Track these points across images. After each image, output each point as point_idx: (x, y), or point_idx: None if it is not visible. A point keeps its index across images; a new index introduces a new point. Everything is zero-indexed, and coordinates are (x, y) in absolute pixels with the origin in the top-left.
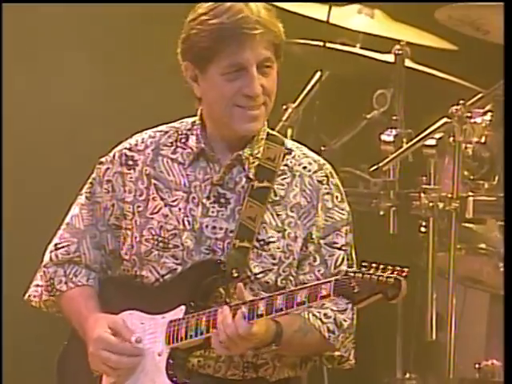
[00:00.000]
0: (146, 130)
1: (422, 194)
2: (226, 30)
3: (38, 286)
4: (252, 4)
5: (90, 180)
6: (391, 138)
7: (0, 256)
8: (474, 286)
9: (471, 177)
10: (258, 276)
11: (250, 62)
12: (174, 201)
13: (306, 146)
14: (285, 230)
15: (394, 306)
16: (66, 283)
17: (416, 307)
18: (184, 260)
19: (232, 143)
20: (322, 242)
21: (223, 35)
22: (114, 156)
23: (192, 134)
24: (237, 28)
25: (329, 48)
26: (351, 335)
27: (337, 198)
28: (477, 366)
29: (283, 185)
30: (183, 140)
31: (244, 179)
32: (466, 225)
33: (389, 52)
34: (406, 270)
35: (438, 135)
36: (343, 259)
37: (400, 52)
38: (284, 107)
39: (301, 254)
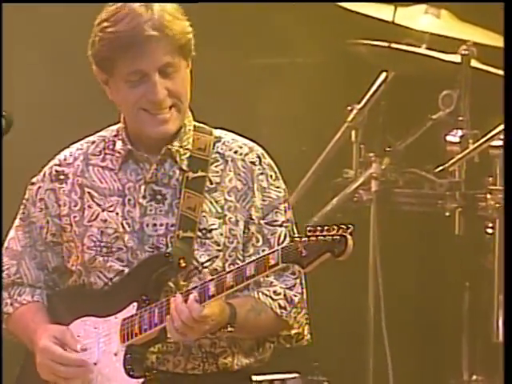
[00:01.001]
0: (73, 143)
1: (489, 195)
2: (123, 38)
3: None
4: (155, 7)
5: (23, 201)
6: (457, 139)
7: None
8: None
9: None
10: (205, 264)
11: (150, 68)
12: (110, 206)
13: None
14: (225, 215)
15: (460, 307)
16: (11, 304)
17: (482, 309)
18: (129, 261)
19: (158, 140)
20: (262, 222)
21: (120, 44)
22: (44, 174)
23: (118, 139)
24: (132, 36)
25: (394, 48)
26: (303, 310)
27: (271, 176)
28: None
29: (217, 172)
30: (111, 147)
31: (178, 172)
32: None
33: (455, 52)
34: (350, 226)
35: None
36: (285, 236)
37: (466, 52)
38: (349, 108)
39: (244, 236)
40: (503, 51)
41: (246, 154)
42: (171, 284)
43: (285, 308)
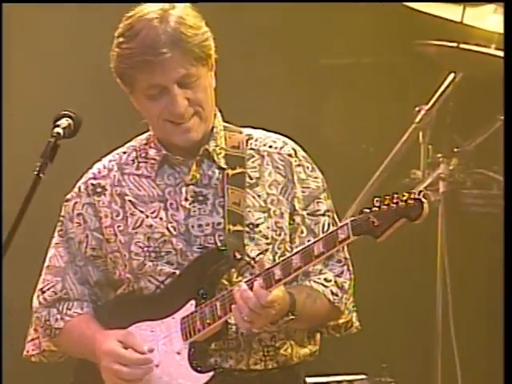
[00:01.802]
0: (104, 157)
1: None
2: (138, 55)
3: (33, 339)
4: (171, 18)
5: (60, 218)
6: None
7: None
8: None
9: None
10: (257, 259)
11: (168, 82)
12: (152, 212)
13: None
14: (269, 208)
15: None
16: (62, 319)
17: None
18: (179, 263)
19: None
20: (304, 212)
21: (136, 60)
22: (79, 189)
23: (150, 147)
24: (147, 53)
25: (463, 49)
26: (351, 297)
27: (308, 168)
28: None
29: (255, 167)
30: (143, 155)
31: (217, 171)
32: None
33: None
34: (422, 190)
35: None
36: (328, 224)
37: None
38: (417, 109)
39: (290, 228)
40: (503, 51)
41: (282, 147)
42: (225, 281)
43: (336, 294)
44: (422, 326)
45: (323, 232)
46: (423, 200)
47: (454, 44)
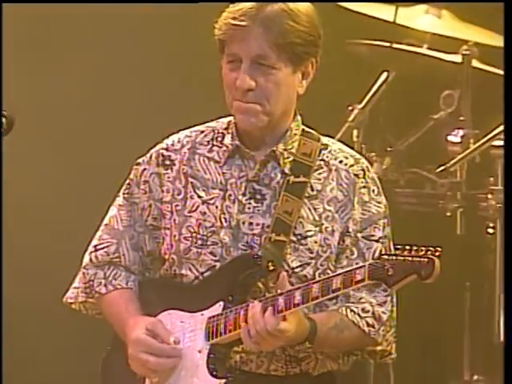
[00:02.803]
0: (182, 130)
1: (490, 195)
2: (229, 18)
3: (75, 288)
4: (278, 5)
5: (127, 181)
6: (458, 139)
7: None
8: None
9: None
10: (296, 270)
11: (243, 54)
12: (210, 199)
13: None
14: (322, 224)
15: (461, 307)
16: (105, 285)
17: (483, 309)
18: (222, 256)
19: (265, 140)
20: (359, 235)
21: (225, 23)
22: (150, 157)
23: (228, 133)
24: (232, 18)
25: (395, 48)
26: (392, 328)
27: (373, 191)
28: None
29: (320, 179)
30: (219, 139)
31: (279, 175)
32: None
33: (456, 52)
34: (439, 249)
35: None
36: (381, 252)
37: (467, 52)
38: (350, 108)
39: (338, 247)
40: (503, 51)
41: (351, 166)
42: (260, 284)
43: (373, 326)
44: None
45: (373, 258)
46: (435, 260)
47: (387, 43)
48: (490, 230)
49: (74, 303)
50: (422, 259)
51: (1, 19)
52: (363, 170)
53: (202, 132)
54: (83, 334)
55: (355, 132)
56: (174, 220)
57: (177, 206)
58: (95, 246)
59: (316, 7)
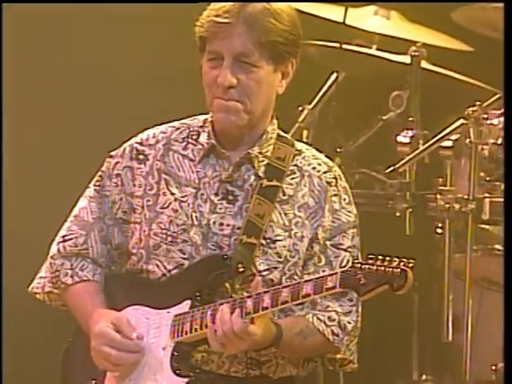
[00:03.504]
0: (157, 125)
1: (439, 196)
2: (211, 16)
3: (41, 277)
4: (260, 4)
5: (99, 173)
6: (407, 140)
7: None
8: (491, 287)
9: (487, 178)
10: (263, 273)
11: (225, 51)
12: (183, 196)
13: (317, 148)
14: (292, 229)
15: (410, 307)
16: (71, 276)
17: (432, 308)
18: (191, 255)
19: (242, 140)
20: (328, 243)
21: (208, 20)
22: (124, 150)
23: (203, 131)
24: (215, 17)
25: (345, 49)
26: (356, 338)
27: (344, 200)
28: (493, 367)
29: (292, 184)
30: (194, 136)
31: (253, 177)
32: (483, 226)
33: (405, 53)
34: (412, 261)
35: (454, 137)
36: (348, 261)
37: (416, 53)
38: (300, 109)
39: (306, 253)
40: (503, 51)
41: (324, 173)
42: (227, 286)
43: (337, 335)
44: None
45: (341, 267)
46: (408, 272)
47: (336, 44)
48: (439, 230)
49: (40, 293)
50: (395, 270)
51: (1, 19)
52: (335, 178)
53: (178, 129)
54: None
55: (305, 132)
56: (145, 215)
57: (148, 201)
58: (63, 237)
59: None
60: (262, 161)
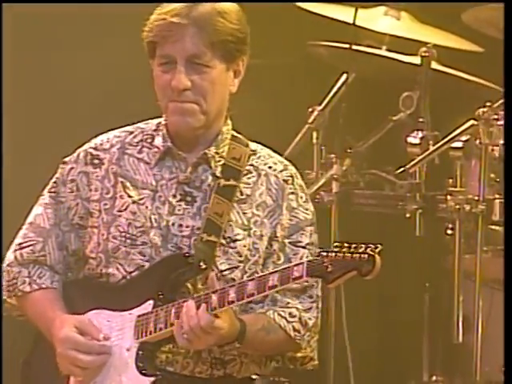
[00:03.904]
0: (111, 130)
1: (449, 197)
2: (160, 19)
3: None
4: (207, 4)
5: (53, 179)
6: (417, 141)
7: None
8: (501, 288)
9: (498, 179)
10: (225, 273)
11: (177, 54)
12: (141, 199)
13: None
14: (251, 228)
15: (420, 307)
16: (29, 284)
17: (442, 310)
18: (152, 257)
19: (198, 142)
20: (286, 241)
21: (157, 24)
22: (78, 156)
23: (158, 135)
24: (164, 21)
25: (355, 50)
26: (316, 335)
27: (301, 197)
28: (503, 368)
29: (249, 184)
30: (149, 140)
31: (210, 177)
32: (493, 227)
33: (415, 54)
34: (379, 246)
35: (464, 137)
36: (307, 258)
37: (426, 54)
38: (310, 110)
39: (266, 252)
40: (503, 51)
41: (281, 171)
42: (189, 285)
43: (298, 331)
44: None
45: None
46: (376, 257)
47: (347, 45)
48: (449, 231)
49: None
50: (362, 255)
51: (1, 19)
52: (292, 176)
53: (131, 133)
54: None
55: (315, 134)
56: (102, 219)
57: (105, 204)
58: (20, 244)
59: (277, 8)
60: (219, 161)
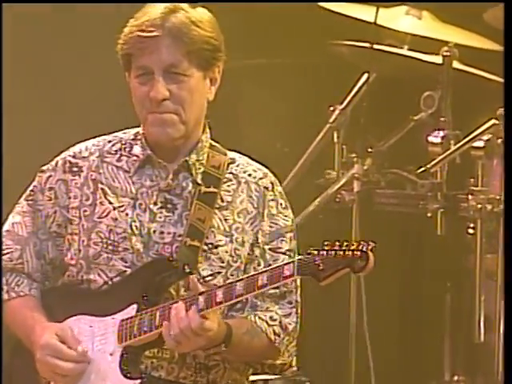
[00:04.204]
0: (88, 139)
1: (470, 196)
2: (135, 31)
3: None
4: (179, 10)
5: (30, 188)
6: (439, 140)
7: None
8: None
9: None
10: (207, 279)
11: (154, 65)
12: (120, 206)
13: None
14: (232, 234)
15: (441, 307)
16: (7, 292)
17: (464, 309)
18: (133, 263)
19: (177, 150)
20: (266, 247)
21: (131, 36)
22: (56, 164)
23: (136, 144)
24: (139, 31)
25: (376, 49)
26: (295, 340)
27: (281, 204)
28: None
29: (229, 191)
30: (127, 149)
31: (191, 184)
32: None
33: (436, 53)
34: (371, 243)
35: (485, 137)
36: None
37: (448, 53)
38: (331, 109)
39: (247, 258)
40: (503, 51)
41: (261, 179)
42: (172, 291)
43: (279, 335)
44: (336, 325)
45: None
46: (369, 253)
47: (367, 44)
48: (471, 231)
49: None
50: (355, 253)
51: (1, 19)
52: (272, 183)
53: (110, 141)
54: None
55: (336, 133)
56: (83, 225)
57: (85, 211)
58: None
59: (299, 8)
60: (199, 168)
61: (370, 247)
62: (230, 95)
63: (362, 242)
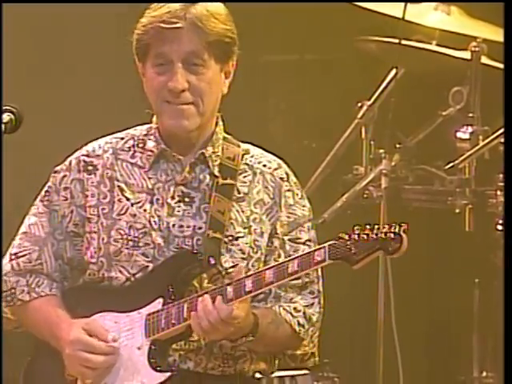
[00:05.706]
0: (101, 137)
1: (498, 192)
2: (155, 22)
3: None
4: (200, 4)
5: (45, 189)
6: (467, 136)
7: None
8: None
9: None
10: (230, 270)
11: (174, 55)
12: (138, 202)
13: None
14: (250, 226)
15: (470, 303)
16: (28, 293)
17: (492, 305)
18: (155, 257)
19: (192, 143)
20: (285, 238)
21: (152, 27)
22: (70, 163)
23: (149, 139)
24: (160, 22)
25: (404, 45)
26: (318, 330)
27: (297, 195)
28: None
29: (245, 182)
30: (141, 145)
31: (208, 177)
32: None
33: (465, 49)
34: (403, 225)
35: None
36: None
37: (476, 49)
38: (359, 104)
39: (267, 249)
40: (503, 51)
41: (276, 169)
42: (196, 284)
43: (303, 325)
44: (365, 321)
45: None
46: (403, 235)
47: (396, 40)
48: (499, 227)
49: None
50: (389, 234)
51: (1, 19)
52: (287, 173)
53: (122, 139)
54: None
55: (364, 129)
56: (102, 223)
57: (103, 209)
58: (16, 254)
59: (326, 5)
60: (216, 160)
61: (402, 228)
62: (259, 91)
63: (393, 224)
